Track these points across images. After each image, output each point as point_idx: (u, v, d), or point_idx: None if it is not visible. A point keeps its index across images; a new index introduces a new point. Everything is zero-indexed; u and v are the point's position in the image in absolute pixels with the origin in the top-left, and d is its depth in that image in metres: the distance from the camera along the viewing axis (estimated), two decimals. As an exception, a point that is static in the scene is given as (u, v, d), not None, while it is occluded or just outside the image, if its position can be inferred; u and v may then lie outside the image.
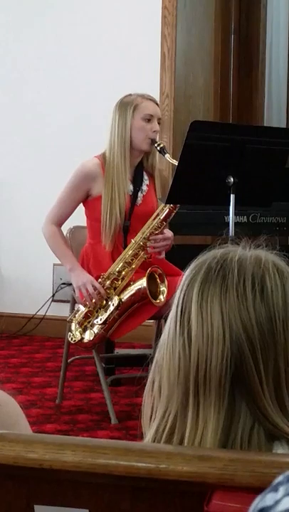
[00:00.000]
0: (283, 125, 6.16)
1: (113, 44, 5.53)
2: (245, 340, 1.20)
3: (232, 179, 3.57)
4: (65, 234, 4.03)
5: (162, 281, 3.79)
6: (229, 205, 3.60)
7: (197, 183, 3.61)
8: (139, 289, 3.78)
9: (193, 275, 1.26)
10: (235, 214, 3.65)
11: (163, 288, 3.78)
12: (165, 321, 1.30)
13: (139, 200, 3.95)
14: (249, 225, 4.72)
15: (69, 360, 4.19)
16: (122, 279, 3.84)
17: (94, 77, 5.56)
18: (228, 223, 3.65)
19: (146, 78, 5.26)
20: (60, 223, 3.97)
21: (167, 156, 3.82)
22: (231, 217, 3.63)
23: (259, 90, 6.29)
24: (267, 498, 0.86)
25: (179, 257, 3.94)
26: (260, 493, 0.90)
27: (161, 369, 1.26)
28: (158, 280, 3.80)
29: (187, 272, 1.28)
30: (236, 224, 3.67)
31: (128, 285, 3.83)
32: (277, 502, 0.85)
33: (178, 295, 1.27)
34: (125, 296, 3.82)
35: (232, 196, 3.59)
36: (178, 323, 1.25)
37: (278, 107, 6.31)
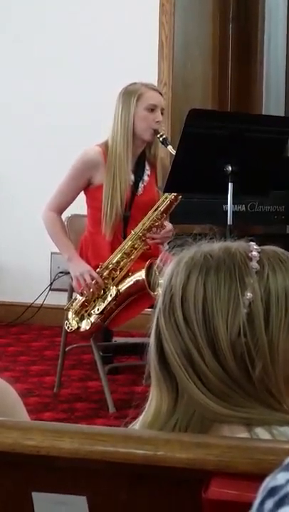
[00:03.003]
0: (281, 113, 6.15)
1: (111, 33, 5.51)
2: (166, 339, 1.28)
3: (230, 168, 3.56)
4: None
5: (161, 273, 3.78)
6: (227, 193, 3.60)
7: (195, 171, 3.60)
8: (137, 281, 3.78)
9: (173, 268, 1.36)
10: (233, 203, 3.65)
11: (161, 280, 3.77)
12: None
13: (140, 190, 3.95)
14: (247, 214, 4.72)
15: (67, 349, 4.19)
16: (121, 269, 3.84)
17: (92, 68, 5.54)
18: (226, 212, 3.65)
19: (144, 67, 5.25)
20: (60, 211, 3.96)
21: (169, 147, 3.80)
22: (229, 206, 3.62)
23: (257, 78, 6.27)
24: (278, 477, 0.87)
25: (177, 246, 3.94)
26: (258, 480, 0.90)
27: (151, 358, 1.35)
28: (157, 272, 3.80)
29: (172, 267, 1.37)
30: (234, 213, 3.66)
31: (126, 276, 3.83)
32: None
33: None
34: (123, 286, 3.81)
35: (230, 185, 3.58)
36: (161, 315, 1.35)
37: (277, 95, 6.30)
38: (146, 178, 3.97)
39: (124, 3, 5.51)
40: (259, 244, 1.33)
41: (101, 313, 3.82)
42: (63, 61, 5.63)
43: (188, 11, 5.71)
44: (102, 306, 3.81)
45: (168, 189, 3.72)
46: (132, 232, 3.84)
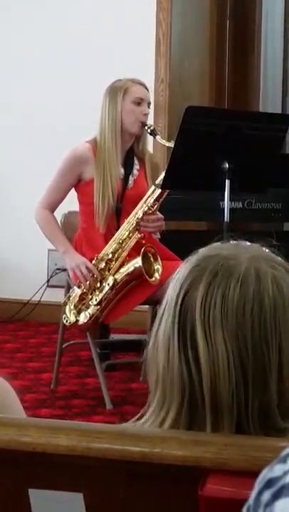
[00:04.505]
0: (278, 110, 6.15)
1: (108, 30, 5.50)
2: (239, 366, 1.18)
3: (227, 165, 3.56)
4: (59, 219, 4.03)
5: (156, 260, 3.79)
6: (224, 190, 3.60)
7: (192, 168, 3.61)
8: (134, 268, 3.78)
9: (194, 278, 1.21)
10: (230, 200, 3.65)
11: (157, 266, 3.78)
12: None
13: (130, 183, 3.96)
14: (244, 211, 4.72)
15: (64, 346, 4.20)
16: (116, 260, 3.84)
17: (91, 67, 5.53)
18: (223, 209, 3.65)
19: (142, 63, 5.24)
20: (52, 208, 3.97)
21: (158, 137, 3.84)
22: (226, 203, 3.62)
23: (254, 76, 6.27)
24: (275, 469, 0.87)
25: (174, 242, 3.95)
26: (254, 477, 0.90)
27: (158, 365, 1.23)
28: (152, 259, 3.80)
29: (188, 268, 1.22)
30: (231, 210, 3.66)
31: (122, 265, 3.83)
32: (286, 473, 0.86)
33: (177, 291, 1.21)
34: (120, 275, 3.81)
35: (227, 182, 3.58)
36: (176, 331, 1.21)
37: (273, 93, 6.30)
38: (135, 172, 3.98)
39: (122, 1, 5.51)
40: (256, 242, 1.26)
41: (99, 304, 3.81)
42: (63, 61, 5.63)
43: (185, 7, 5.71)
44: (100, 296, 3.81)
45: (165, 186, 3.72)
46: (126, 221, 3.85)
